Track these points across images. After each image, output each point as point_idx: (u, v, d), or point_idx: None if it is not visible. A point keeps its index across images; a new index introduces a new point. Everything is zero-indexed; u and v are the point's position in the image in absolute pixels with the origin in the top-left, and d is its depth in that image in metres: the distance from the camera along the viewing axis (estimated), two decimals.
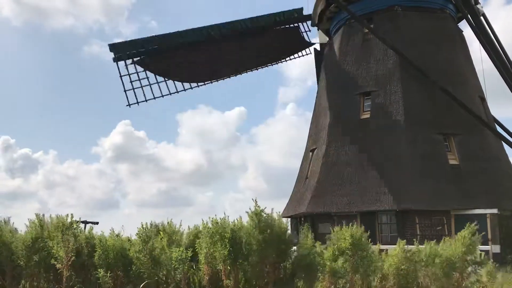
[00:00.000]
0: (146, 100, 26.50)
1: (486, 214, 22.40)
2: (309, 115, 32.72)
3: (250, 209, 12.05)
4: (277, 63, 33.01)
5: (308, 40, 32.77)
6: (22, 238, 12.40)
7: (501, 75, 27.12)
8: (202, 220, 12.35)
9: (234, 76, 30.69)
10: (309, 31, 32.84)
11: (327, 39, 33.20)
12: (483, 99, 28.42)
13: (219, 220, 12.14)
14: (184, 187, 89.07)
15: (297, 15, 32.36)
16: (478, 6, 29.88)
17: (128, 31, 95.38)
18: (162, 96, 26.91)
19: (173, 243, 12.63)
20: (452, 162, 24.88)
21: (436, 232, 22.48)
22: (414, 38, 27.43)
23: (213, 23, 29.13)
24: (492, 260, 13.59)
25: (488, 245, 21.22)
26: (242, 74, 31.08)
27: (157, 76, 26.99)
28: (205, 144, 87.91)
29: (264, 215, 11.94)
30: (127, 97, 25.90)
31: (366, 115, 26.90)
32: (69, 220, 12.11)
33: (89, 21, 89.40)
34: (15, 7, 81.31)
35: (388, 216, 24.26)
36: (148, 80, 26.59)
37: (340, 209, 25.05)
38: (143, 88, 26.35)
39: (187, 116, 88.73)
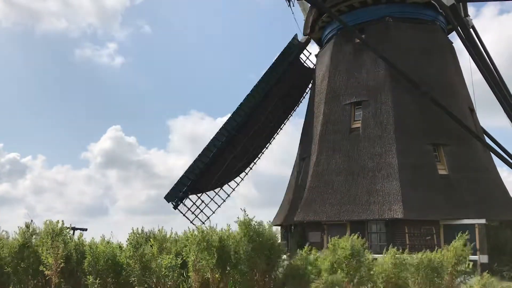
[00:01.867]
0: (208, 218, 28.97)
1: (474, 224, 22.56)
2: (302, 122, 32.88)
3: (238, 218, 12.08)
4: (298, 105, 33.30)
5: (313, 66, 32.91)
6: (10, 244, 12.28)
7: (489, 86, 27.45)
8: (189, 228, 12.37)
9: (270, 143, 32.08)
10: (310, 54, 33.17)
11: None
12: (472, 110, 28.74)
13: (206, 228, 12.13)
14: None
15: (297, 42, 32.43)
16: (468, 18, 30.36)
17: (121, 35, 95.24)
18: (219, 206, 29.28)
19: (164, 250, 12.59)
20: (441, 172, 25.06)
21: (425, 242, 22.60)
22: (405, 49, 27.71)
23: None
24: (486, 272, 13.74)
25: (476, 255, 21.39)
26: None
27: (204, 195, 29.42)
28: (197, 150, 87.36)
29: (254, 223, 11.96)
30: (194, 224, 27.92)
31: (357, 125, 27.05)
32: (59, 226, 12.03)
33: (82, 24, 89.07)
34: (5, 8, 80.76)
35: (377, 225, 24.33)
36: (203, 202, 29.28)
37: (330, 217, 25.07)
38: (203, 210, 29.04)
39: (178, 122, 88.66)
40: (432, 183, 24.56)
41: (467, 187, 24.70)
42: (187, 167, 28.94)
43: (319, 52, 32.87)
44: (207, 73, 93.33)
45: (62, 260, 11.72)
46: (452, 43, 30.80)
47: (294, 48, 32.29)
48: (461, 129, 25.55)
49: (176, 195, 28.40)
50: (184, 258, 12.27)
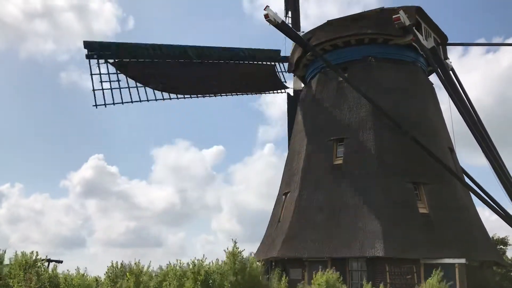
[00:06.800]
0: (114, 103, 26.19)
1: (454, 264, 22.59)
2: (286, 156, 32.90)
3: (227, 249, 11.99)
4: (251, 94, 33.77)
5: (284, 81, 33.49)
6: None
7: (468, 127, 28.03)
8: (169, 262, 12.22)
9: (209, 97, 31.00)
10: (285, 71, 33.68)
11: (302, 85, 34.06)
12: (452, 150, 29.26)
13: (196, 262, 11.98)
14: (154, 226, 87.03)
15: (273, 54, 33.48)
16: (447, 61, 31.31)
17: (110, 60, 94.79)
18: (132, 102, 26.54)
19: (141, 284, 12.33)
20: (422, 210, 25.20)
21: (406, 281, 22.50)
22: (386, 89, 28.32)
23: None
24: None
25: None
26: (217, 97, 31.40)
27: (129, 81, 26.64)
28: (180, 182, 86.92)
29: (241, 257, 11.88)
30: (94, 97, 25.56)
31: (339, 161, 27.25)
32: (33, 258, 11.73)
33: (71, 47, 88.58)
34: None
35: (358, 263, 24.19)
36: (119, 83, 26.37)
37: (312, 254, 24.87)
38: (113, 90, 26.10)
39: (163, 151, 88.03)
40: (412, 222, 24.63)
41: (447, 226, 24.83)
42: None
43: (302, 89, 33.41)
44: (195, 101, 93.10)
45: None
46: (433, 84, 31.64)
47: (271, 54, 33.43)
48: (441, 168, 25.88)
49: (98, 48, 25.09)
50: None
